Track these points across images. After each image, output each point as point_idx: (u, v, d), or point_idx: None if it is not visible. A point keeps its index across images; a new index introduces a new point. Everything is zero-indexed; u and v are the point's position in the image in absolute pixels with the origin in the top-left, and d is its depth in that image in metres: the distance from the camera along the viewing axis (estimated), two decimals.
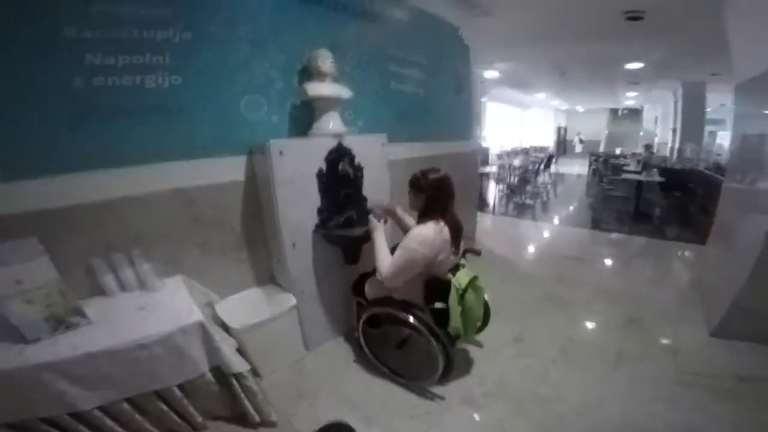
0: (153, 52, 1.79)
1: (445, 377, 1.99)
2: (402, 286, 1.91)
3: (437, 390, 2.03)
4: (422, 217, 1.86)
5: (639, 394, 1.98)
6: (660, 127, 13.05)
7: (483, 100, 12.05)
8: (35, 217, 1.59)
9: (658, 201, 6.21)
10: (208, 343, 1.67)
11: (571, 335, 2.56)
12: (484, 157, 9.33)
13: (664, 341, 2.46)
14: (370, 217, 2.06)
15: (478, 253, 2.28)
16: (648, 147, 10.13)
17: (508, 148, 13.08)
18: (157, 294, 1.85)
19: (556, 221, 6.00)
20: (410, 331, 2.07)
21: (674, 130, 10.28)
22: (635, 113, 17.08)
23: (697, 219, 5.29)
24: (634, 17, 4.17)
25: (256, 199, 2.26)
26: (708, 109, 9.67)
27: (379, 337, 2.25)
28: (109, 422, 1.52)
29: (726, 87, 7.60)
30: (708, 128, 10.35)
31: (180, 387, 1.66)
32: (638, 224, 5.44)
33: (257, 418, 1.82)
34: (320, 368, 2.28)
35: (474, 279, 1.87)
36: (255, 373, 1.94)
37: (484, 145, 11.34)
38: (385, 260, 1.88)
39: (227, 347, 1.75)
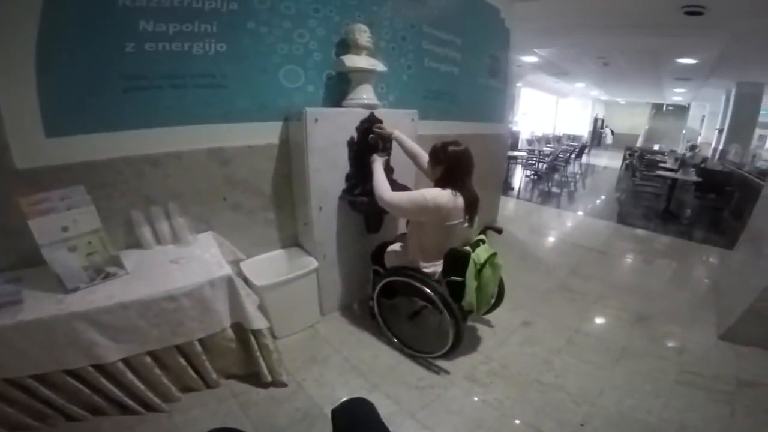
0: (201, 20, 1.87)
1: (453, 351, 2.05)
2: (417, 248, 1.99)
3: (443, 364, 2.10)
4: (439, 186, 1.89)
5: (638, 389, 1.99)
6: (705, 127, 12.47)
7: (518, 84, 11.76)
8: (82, 168, 1.70)
9: (691, 201, 6.03)
10: (233, 298, 1.72)
11: (579, 327, 2.58)
12: (513, 142, 9.17)
13: (671, 340, 2.47)
14: (374, 155, 2.13)
15: (499, 230, 2.32)
16: (694, 147, 9.69)
17: (539, 133, 12.79)
18: (189, 248, 1.93)
19: (580, 212, 5.92)
20: (423, 304, 2.13)
21: (720, 131, 9.82)
22: (680, 110, 16.30)
23: (728, 223, 5.14)
24: (694, 12, 3.99)
25: (288, 163, 2.36)
26: (763, 112, 9.19)
27: (392, 308, 2.34)
28: (130, 376, 1.58)
29: None
30: (759, 131, 9.78)
31: (200, 342, 1.72)
32: (666, 223, 5.32)
33: (269, 378, 1.87)
34: (333, 334, 2.38)
35: (493, 255, 1.92)
36: (272, 333, 1.99)
37: (515, 129, 11.15)
38: (383, 184, 1.96)
39: (250, 303, 1.80)
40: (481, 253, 1.87)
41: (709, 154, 9.80)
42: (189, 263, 1.77)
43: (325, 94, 2.40)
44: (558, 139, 12.72)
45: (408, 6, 2.73)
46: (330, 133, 2.16)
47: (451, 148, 1.86)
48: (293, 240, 2.58)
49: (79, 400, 1.57)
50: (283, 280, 2.15)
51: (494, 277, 1.97)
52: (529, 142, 10.96)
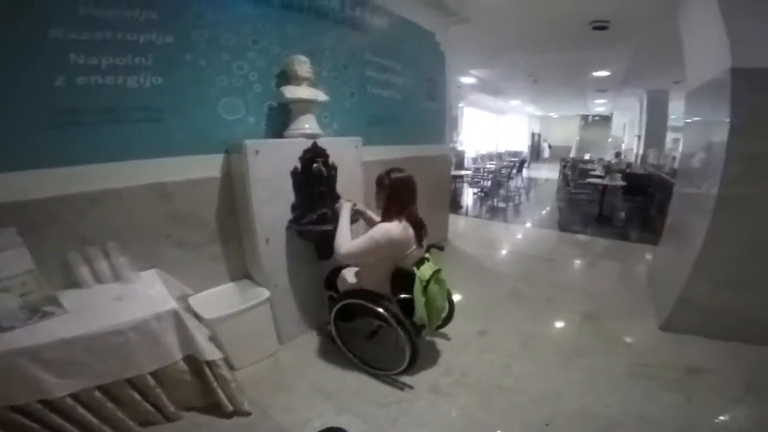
0: (135, 53, 1.85)
1: (412, 366, 2.07)
2: (371, 278, 2.02)
3: (407, 380, 2.12)
4: (385, 214, 1.96)
5: (594, 385, 2.09)
6: (628, 134, 13.61)
7: (460, 105, 12.31)
8: (13, 208, 1.61)
9: (621, 204, 6.54)
10: (181, 331, 1.72)
11: (532, 330, 2.69)
12: (459, 161, 9.52)
13: (618, 335, 2.62)
14: (341, 201, 2.15)
15: (441, 248, 2.43)
16: (618, 154, 10.62)
17: (483, 152, 13.36)
18: (132, 285, 1.89)
19: (525, 223, 6.22)
20: (380, 323, 2.16)
21: (639, 137, 10.75)
22: (605, 120, 17.69)
23: (655, 221, 5.60)
24: (600, 27, 4.48)
25: (232, 196, 2.33)
26: (673, 117, 10.11)
27: (351, 330, 2.34)
28: (81, 410, 1.53)
29: None
30: (673, 135, 10.73)
31: (153, 376, 1.69)
32: (601, 226, 5.73)
33: (230, 408, 1.85)
34: (294, 361, 2.34)
35: (437, 272, 1.99)
36: (229, 365, 2.00)
37: (460, 148, 11.57)
38: (344, 237, 1.96)
39: (200, 335, 1.80)
40: (425, 271, 1.93)
41: (632, 159, 10.69)
42: (133, 299, 1.75)
43: (266, 124, 2.41)
44: (500, 156, 13.34)
45: (348, 35, 2.84)
46: (272, 164, 2.16)
47: (394, 174, 1.94)
48: (243, 272, 2.52)
49: None
50: (233, 312, 2.10)
51: (441, 292, 2.04)
52: (474, 160, 11.41)
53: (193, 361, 1.79)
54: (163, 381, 1.74)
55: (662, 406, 1.94)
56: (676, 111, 9.99)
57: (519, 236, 5.53)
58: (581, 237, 5.27)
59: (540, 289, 3.40)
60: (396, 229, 1.88)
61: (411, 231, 1.94)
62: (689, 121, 3.04)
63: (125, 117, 1.88)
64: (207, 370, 1.79)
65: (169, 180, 2.08)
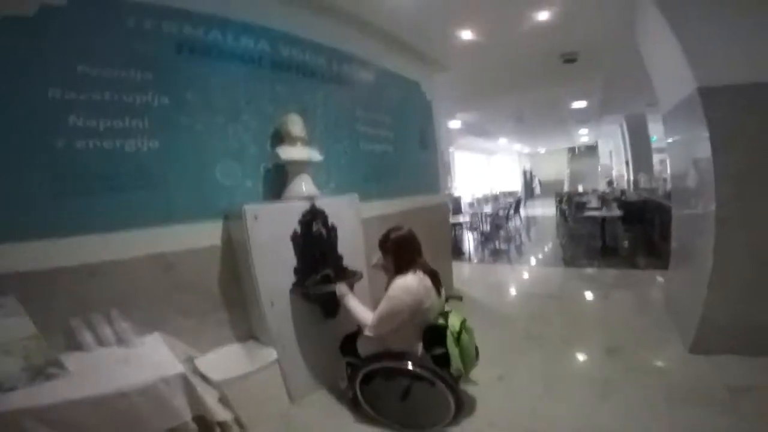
0: (132, 115, 1.88)
1: (458, 416, 1.98)
2: (399, 338, 1.97)
3: None
4: (398, 273, 1.96)
5: (636, 418, 1.97)
6: (615, 161, 13.86)
7: (450, 150, 12.60)
8: (15, 278, 1.60)
9: (622, 233, 6.50)
10: (190, 393, 1.71)
11: (554, 370, 2.58)
12: (456, 207, 9.52)
13: (648, 365, 2.51)
14: (338, 285, 2.14)
15: (459, 298, 2.43)
16: (610, 183, 10.72)
17: (479, 195, 13.42)
18: (136, 350, 1.87)
19: (529, 263, 6.15)
20: (410, 380, 2.06)
21: (627, 162, 10.94)
22: (591, 149, 18.05)
23: (659, 246, 5.55)
24: (570, 59, 4.79)
25: (234, 262, 2.31)
26: (655, 138, 10.29)
27: (380, 393, 2.23)
28: None
29: None
30: (659, 156, 10.79)
31: None
32: (607, 257, 5.68)
33: None
34: (307, 419, 2.25)
35: (464, 321, 1.99)
36: (240, 425, 1.97)
37: (456, 194, 11.63)
38: (365, 315, 1.98)
39: (210, 397, 1.80)
40: (454, 322, 1.94)
41: (625, 185, 10.80)
42: (137, 363, 1.74)
43: (264, 187, 2.44)
44: (495, 198, 13.42)
45: (338, 91, 2.94)
46: (272, 227, 2.16)
47: (393, 234, 1.99)
48: (248, 334, 2.45)
49: None
50: (242, 374, 2.06)
51: (471, 341, 2.04)
52: (470, 204, 11.42)
53: (203, 421, 1.77)
54: None
55: (714, 430, 1.82)
56: (656, 132, 10.22)
57: (525, 276, 5.45)
58: (589, 270, 5.20)
59: (555, 329, 3.30)
60: (412, 280, 1.89)
61: (428, 282, 1.95)
62: (671, 141, 3.10)
63: (124, 184, 1.89)
64: (218, 430, 1.80)
65: (170, 250, 2.07)
